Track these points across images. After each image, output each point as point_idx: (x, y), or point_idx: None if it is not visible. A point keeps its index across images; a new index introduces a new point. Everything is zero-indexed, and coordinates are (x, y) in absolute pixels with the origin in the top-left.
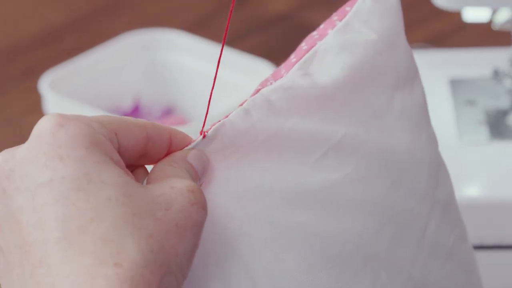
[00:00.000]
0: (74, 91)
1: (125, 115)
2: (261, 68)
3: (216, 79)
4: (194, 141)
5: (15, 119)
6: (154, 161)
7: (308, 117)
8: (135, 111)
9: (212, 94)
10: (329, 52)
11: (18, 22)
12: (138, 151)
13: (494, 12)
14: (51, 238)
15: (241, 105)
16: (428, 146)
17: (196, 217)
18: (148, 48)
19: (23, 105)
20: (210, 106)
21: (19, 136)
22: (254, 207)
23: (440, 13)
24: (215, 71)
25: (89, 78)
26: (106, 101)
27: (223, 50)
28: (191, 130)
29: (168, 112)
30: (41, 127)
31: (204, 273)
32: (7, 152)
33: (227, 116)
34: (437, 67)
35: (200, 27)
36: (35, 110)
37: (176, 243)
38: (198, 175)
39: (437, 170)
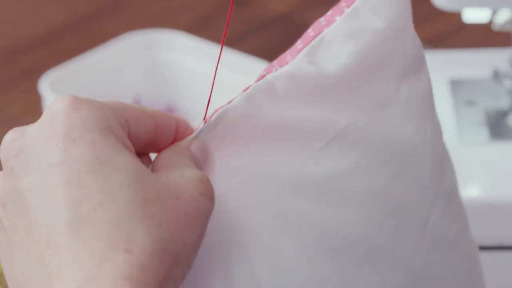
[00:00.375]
0: (74, 92)
1: None
2: (261, 68)
3: (216, 80)
4: (196, 129)
5: (15, 119)
6: (161, 149)
7: (312, 105)
8: None
9: (212, 95)
10: (336, 39)
11: (18, 22)
12: (147, 138)
13: (494, 12)
14: (61, 220)
15: (245, 90)
16: (433, 136)
17: (204, 207)
18: (148, 48)
19: (23, 105)
20: (209, 107)
21: None
22: (256, 196)
23: (440, 14)
24: (214, 72)
25: (89, 79)
26: (106, 101)
27: (223, 51)
28: None
29: (168, 112)
30: (55, 108)
31: (205, 262)
32: (17, 130)
33: (230, 102)
34: (437, 68)
35: (200, 27)
36: (35, 110)
37: (185, 233)
38: (200, 164)
39: (442, 160)
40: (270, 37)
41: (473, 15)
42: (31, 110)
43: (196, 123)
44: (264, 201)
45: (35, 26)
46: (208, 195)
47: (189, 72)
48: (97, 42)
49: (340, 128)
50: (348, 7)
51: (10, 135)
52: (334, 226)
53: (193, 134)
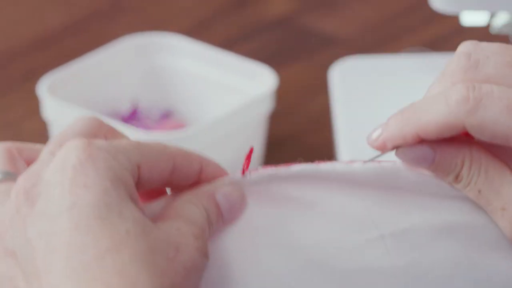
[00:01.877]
0: (72, 95)
1: (124, 118)
2: (260, 72)
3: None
4: (228, 174)
5: (14, 123)
6: (178, 189)
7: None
8: (133, 114)
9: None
10: None
11: (18, 24)
12: (161, 181)
13: (492, 16)
14: (67, 265)
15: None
16: None
17: (200, 262)
18: (146, 51)
19: (23, 109)
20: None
21: (19, 139)
22: (265, 266)
23: (438, 17)
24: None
25: (88, 81)
26: (105, 104)
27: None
28: (189, 134)
29: (166, 115)
30: (70, 153)
31: None
32: (30, 173)
33: (277, 167)
34: (435, 71)
35: (199, 31)
36: (35, 114)
37: (183, 284)
38: (221, 214)
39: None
40: (269, 40)
41: (471, 18)
42: (31, 114)
43: (194, 127)
44: (272, 274)
45: (34, 29)
46: (203, 251)
47: (187, 75)
48: (96, 45)
49: (404, 226)
50: None
51: (23, 179)
52: None
53: (227, 180)
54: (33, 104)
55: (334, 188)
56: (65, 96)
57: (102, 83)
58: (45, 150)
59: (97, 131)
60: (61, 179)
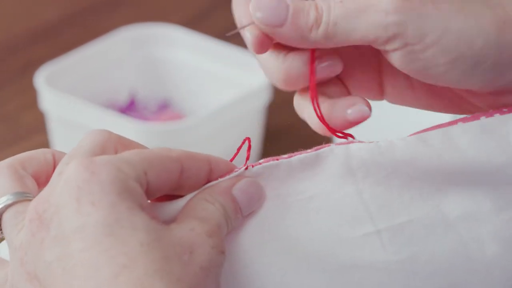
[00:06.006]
0: (70, 86)
1: (121, 109)
2: (257, 63)
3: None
4: (237, 169)
5: (12, 116)
6: (191, 190)
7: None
8: (131, 105)
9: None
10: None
11: (15, 17)
12: (171, 185)
13: None
14: (85, 286)
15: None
16: None
17: (217, 259)
18: (144, 43)
19: (20, 101)
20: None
21: (16, 132)
22: (272, 260)
23: None
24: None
25: (85, 73)
26: (102, 95)
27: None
28: (186, 125)
29: (163, 107)
30: (72, 173)
31: None
32: (43, 198)
33: (290, 156)
34: None
35: (196, 22)
36: (32, 106)
37: (202, 285)
38: (239, 209)
39: None
40: None
41: None
42: (29, 106)
43: (191, 118)
44: (277, 267)
45: (32, 21)
46: (218, 248)
47: (185, 67)
48: (94, 36)
49: (402, 220)
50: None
51: (35, 204)
52: None
53: (234, 174)
54: (31, 96)
55: (332, 182)
56: (62, 88)
57: (99, 75)
58: (55, 172)
59: (106, 145)
60: (68, 201)
